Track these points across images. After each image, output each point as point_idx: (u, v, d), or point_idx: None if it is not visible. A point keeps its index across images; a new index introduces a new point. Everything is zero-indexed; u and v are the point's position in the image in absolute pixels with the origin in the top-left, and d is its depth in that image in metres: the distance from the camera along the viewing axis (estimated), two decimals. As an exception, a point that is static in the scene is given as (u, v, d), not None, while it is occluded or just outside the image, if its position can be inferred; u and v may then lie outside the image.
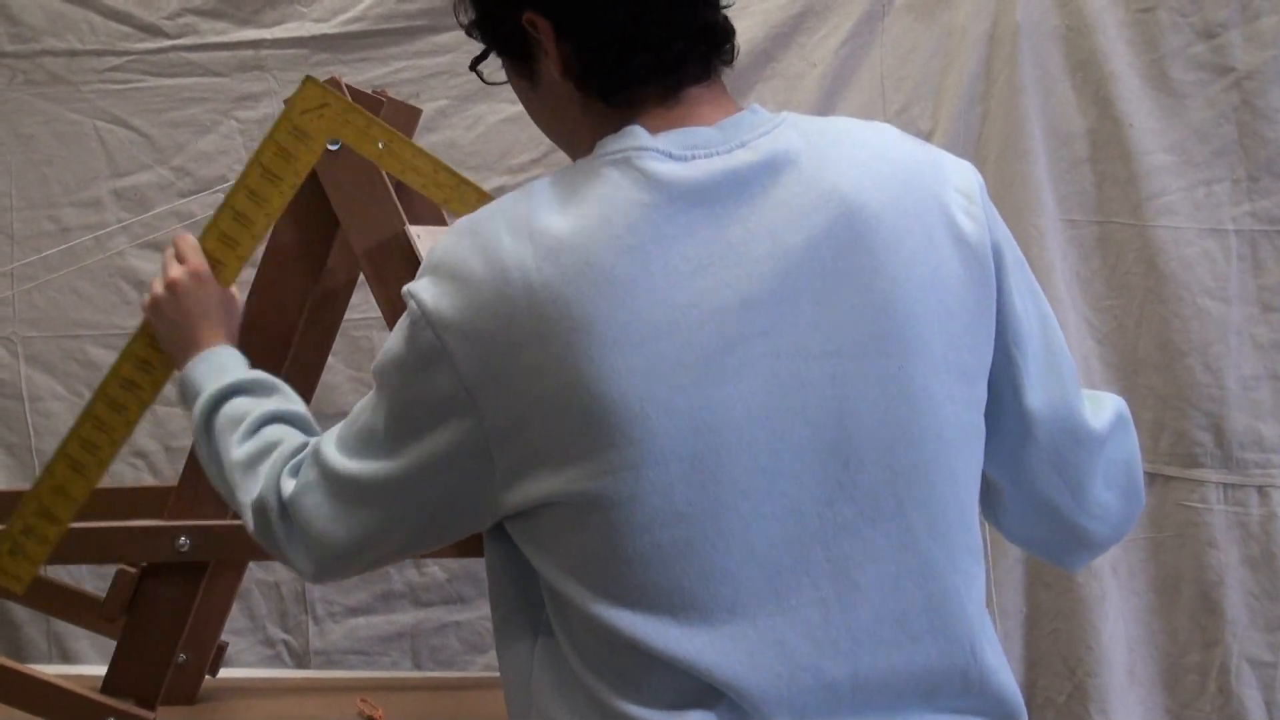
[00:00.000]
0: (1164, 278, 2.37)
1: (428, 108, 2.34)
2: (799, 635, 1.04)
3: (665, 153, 1.06)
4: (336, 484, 1.16)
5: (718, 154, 1.07)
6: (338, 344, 2.09)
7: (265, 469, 1.26)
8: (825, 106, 2.53)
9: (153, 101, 2.62)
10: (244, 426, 1.31)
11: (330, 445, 1.18)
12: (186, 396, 1.42)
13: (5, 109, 2.63)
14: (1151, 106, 2.38)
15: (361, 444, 1.15)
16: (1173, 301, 2.36)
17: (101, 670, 1.76)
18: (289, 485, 1.21)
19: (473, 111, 2.59)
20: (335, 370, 2.59)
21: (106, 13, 2.60)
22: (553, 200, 1.06)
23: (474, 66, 1.22)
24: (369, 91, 1.79)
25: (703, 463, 1.01)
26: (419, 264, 1.62)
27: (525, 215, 1.06)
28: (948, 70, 2.49)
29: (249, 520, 1.26)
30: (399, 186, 1.80)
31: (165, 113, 2.62)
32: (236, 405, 1.35)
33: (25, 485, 2.60)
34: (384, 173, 1.67)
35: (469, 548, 1.72)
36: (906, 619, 1.06)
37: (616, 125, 1.10)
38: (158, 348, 1.61)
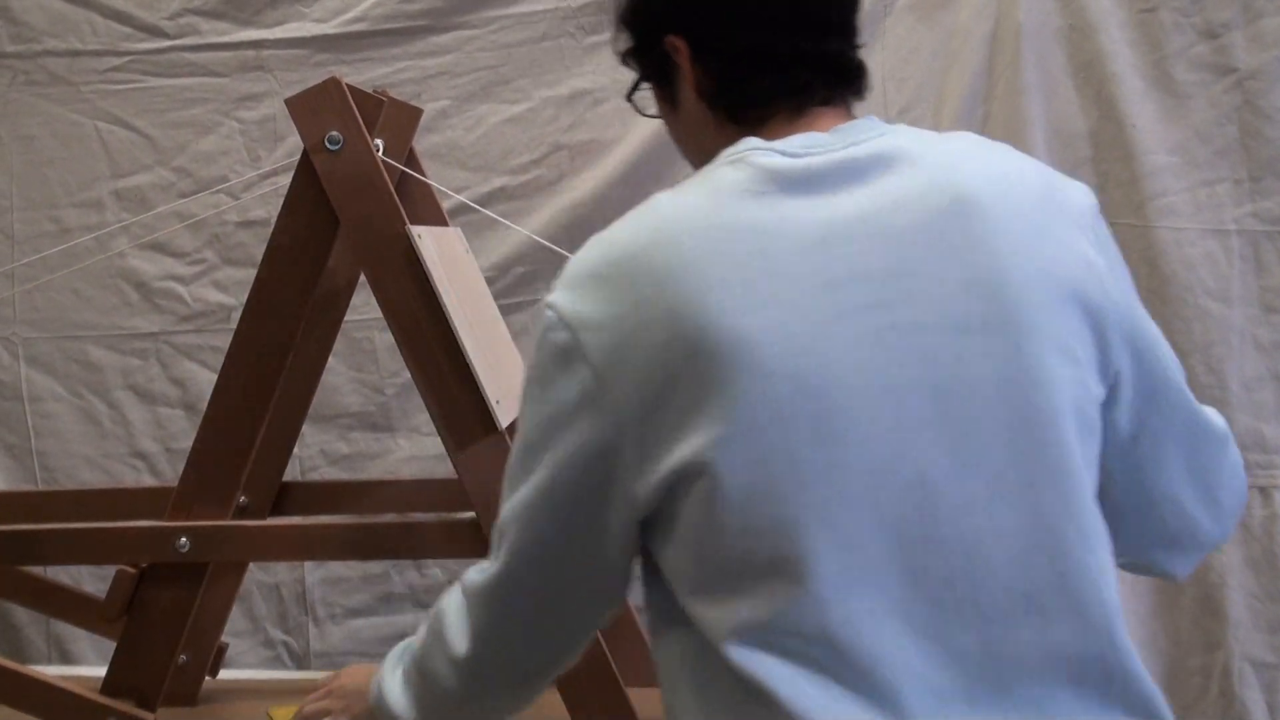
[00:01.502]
0: (1166, 278, 2.36)
1: (429, 108, 2.34)
2: (926, 606, 1.04)
3: (779, 151, 1.12)
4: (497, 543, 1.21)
5: (831, 151, 1.12)
6: (338, 344, 2.09)
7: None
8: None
9: (153, 102, 2.62)
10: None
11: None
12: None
13: (6, 109, 2.63)
14: (1154, 107, 2.37)
15: (507, 487, 1.18)
16: (1175, 302, 2.36)
17: (101, 671, 1.75)
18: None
19: (474, 112, 2.59)
20: (336, 371, 2.59)
21: (107, 13, 2.60)
22: (669, 199, 1.13)
23: (629, 97, 1.30)
24: (370, 92, 1.79)
25: (825, 427, 1.03)
26: (420, 264, 1.63)
27: (644, 213, 1.12)
28: (950, 71, 2.49)
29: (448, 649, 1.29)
30: (400, 186, 1.80)
31: (166, 113, 2.62)
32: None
33: (25, 486, 2.60)
34: (384, 172, 1.67)
35: (470, 549, 1.73)
36: (1038, 596, 1.05)
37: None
38: None
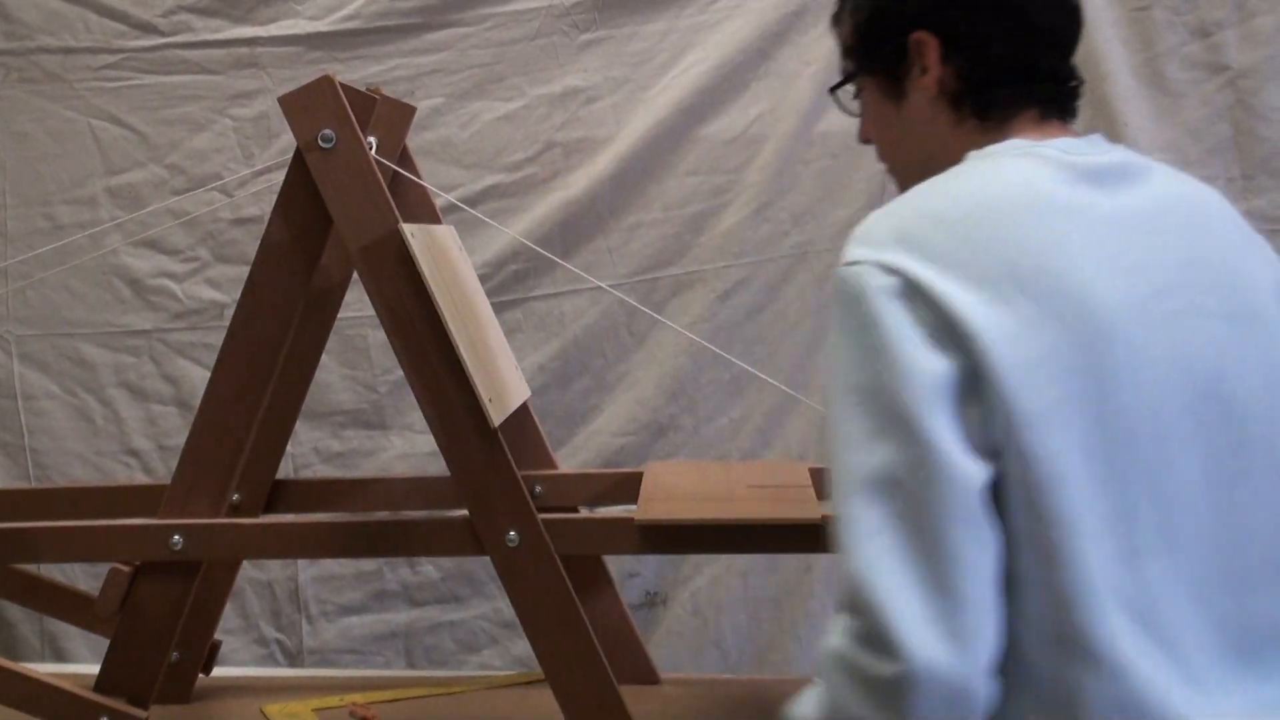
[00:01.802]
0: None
1: (422, 106, 2.34)
2: (1202, 568, 1.09)
3: (1055, 148, 1.18)
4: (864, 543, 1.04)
5: (1092, 155, 1.18)
6: (331, 342, 2.09)
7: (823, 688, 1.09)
8: (820, 105, 2.53)
9: (147, 99, 2.62)
10: None
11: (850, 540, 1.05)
12: None
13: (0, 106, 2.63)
14: (1146, 106, 2.38)
15: (850, 449, 1.06)
16: (1168, 300, 2.36)
17: (95, 669, 1.75)
18: (833, 630, 1.06)
19: (468, 109, 2.59)
20: (329, 369, 2.59)
21: (101, 10, 2.60)
22: (956, 179, 1.17)
23: (834, 91, 1.34)
24: (363, 89, 1.79)
25: (1151, 391, 1.08)
26: (412, 262, 1.63)
27: (935, 189, 1.16)
28: (943, 69, 2.49)
29: (829, 705, 1.06)
30: (393, 184, 1.80)
31: (159, 110, 2.62)
32: None
33: (19, 484, 2.60)
34: (377, 171, 1.67)
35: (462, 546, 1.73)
36: None
37: (980, 142, 1.22)
38: None
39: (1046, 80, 1.24)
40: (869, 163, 2.57)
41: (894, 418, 1.04)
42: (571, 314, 2.62)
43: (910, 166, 1.29)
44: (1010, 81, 1.22)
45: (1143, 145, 2.37)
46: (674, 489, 1.85)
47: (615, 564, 2.11)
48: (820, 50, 2.52)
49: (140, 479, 2.64)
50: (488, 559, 1.69)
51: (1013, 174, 1.15)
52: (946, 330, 1.05)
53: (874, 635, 1.01)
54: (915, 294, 1.06)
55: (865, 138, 1.35)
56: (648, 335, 2.61)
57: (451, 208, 2.32)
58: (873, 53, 1.28)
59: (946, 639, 1.00)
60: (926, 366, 1.04)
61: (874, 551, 1.03)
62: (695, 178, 2.59)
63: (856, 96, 1.33)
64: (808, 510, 1.68)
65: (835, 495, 1.07)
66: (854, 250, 1.10)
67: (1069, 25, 1.25)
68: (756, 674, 2.59)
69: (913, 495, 1.03)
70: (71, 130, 2.63)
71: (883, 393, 1.05)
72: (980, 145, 1.21)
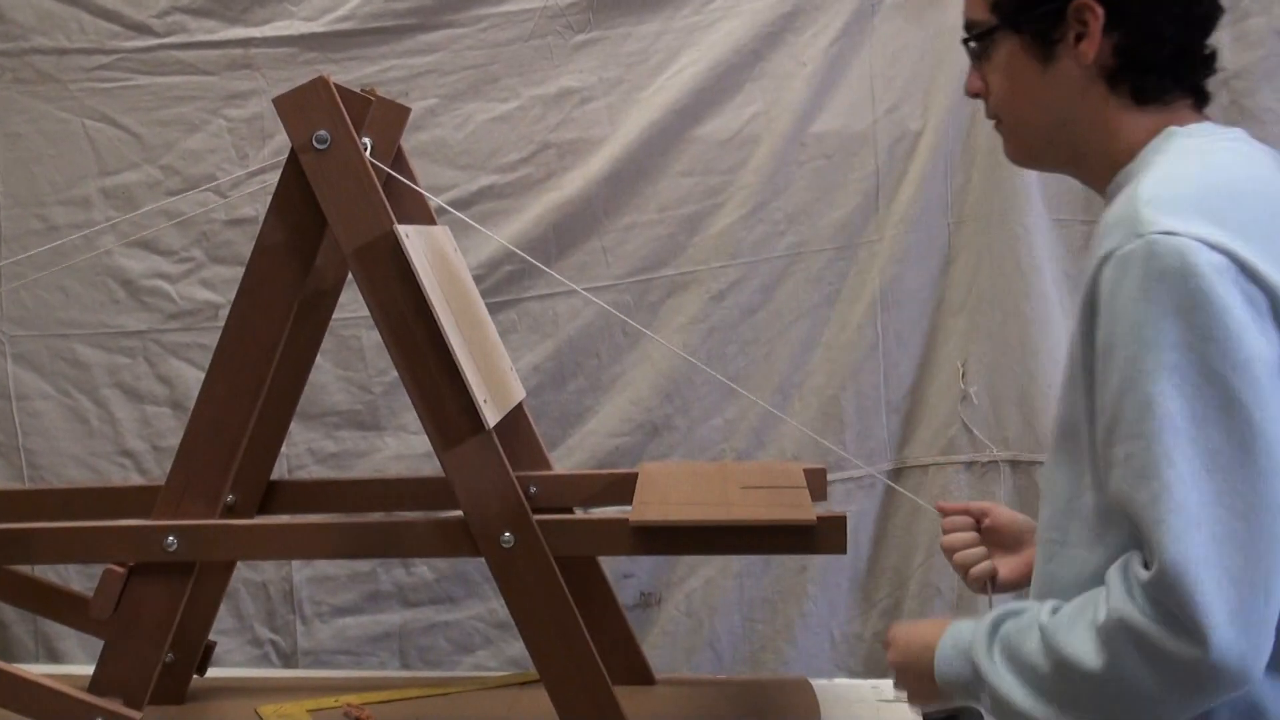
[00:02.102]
0: (1153, 277, 2.37)
1: (417, 106, 2.34)
2: None
3: (1241, 133, 1.24)
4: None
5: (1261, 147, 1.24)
6: (326, 343, 2.09)
7: (1079, 615, 1.13)
8: (814, 105, 2.53)
9: (141, 100, 2.61)
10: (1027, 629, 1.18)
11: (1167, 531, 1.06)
12: (965, 676, 1.23)
13: (-7, 107, 2.63)
14: (1141, 106, 2.38)
15: (1198, 456, 1.06)
16: (1161, 301, 2.37)
17: (89, 670, 1.75)
18: (1125, 597, 1.09)
19: (462, 110, 2.59)
20: (324, 369, 2.59)
21: (95, 11, 2.59)
22: (1220, 159, 1.19)
23: (966, 42, 1.32)
24: (357, 90, 1.79)
25: None
26: (407, 263, 1.63)
27: (1200, 163, 1.18)
28: (937, 69, 2.49)
29: (1109, 664, 1.09)
30: (387, 184, 1.80)
31: (154, 111, 2.62)
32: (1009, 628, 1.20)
33: (13, 484, 2.60)
34: (371, 172, 1.67)
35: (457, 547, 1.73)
36: None
37: (1140, 120, 1.24)
38: None
39: (1201, 66, 1.26)
40: (862, 163, 2.59)
41: (1227, 405, 1.06)
42: (566, 314, 2.62)
43: (1038, 128, 1.29)
44: (1171, 62, 1.24)
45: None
46: (668, 490, 1.85)
47: (610, 565, 2.11)
48: (814, 51, 2.52)
49: (135, 480, 2.64)
50: (482, 560, 1.69)
51: (1255, 156, 1.19)
52: (1273, 313, 1.07)
53: (1182, 620, 1.04)
54: (1244, 274, 1.07)
55: (974, 91, 1.34)
56: (642, 336, 2.61)
57: (444, 209, 2.32)
58: (1027, 11, 1.26)
59: (1248, 635, 1.04)
60: (1262, 353, 1.06)
61: (1196, 539, 1.05)
62: (690, 178, 2.59)
63: (983, 47, 1.31)
64: (802, 512, 1.68)
65: (1150, 472, 1.07)
66: (1162, 219, 1.09)
67: (1218, 12, 1.26)
68: (750, 675, 2.59)
69: (1241, 487, 1.05)
70: (66, 131, 2.62)
71: (1216, 378, 1.06)
72: (1139, 124, 1.23)
